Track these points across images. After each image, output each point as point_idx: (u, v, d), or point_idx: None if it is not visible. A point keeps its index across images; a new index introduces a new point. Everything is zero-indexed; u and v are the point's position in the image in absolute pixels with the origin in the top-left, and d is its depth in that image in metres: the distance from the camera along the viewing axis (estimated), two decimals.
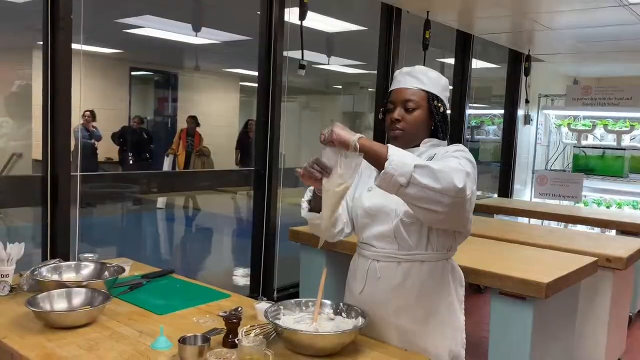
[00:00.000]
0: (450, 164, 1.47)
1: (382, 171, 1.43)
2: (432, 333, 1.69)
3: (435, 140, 1.75)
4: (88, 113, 7.93)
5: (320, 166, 1.52)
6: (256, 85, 3.68)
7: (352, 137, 1.47)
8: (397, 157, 1.43)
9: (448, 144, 1.76)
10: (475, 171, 1.54)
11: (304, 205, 1.74)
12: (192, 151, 8.53)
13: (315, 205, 1.69)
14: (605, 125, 6.38)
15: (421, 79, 1.73)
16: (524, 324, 2.31)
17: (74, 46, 2.61)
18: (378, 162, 1.45)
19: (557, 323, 2.59)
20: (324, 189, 1.55)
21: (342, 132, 1.48)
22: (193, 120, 8.75)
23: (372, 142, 1.49)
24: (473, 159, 1.59)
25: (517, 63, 6.14)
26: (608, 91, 6.22)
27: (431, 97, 1.72)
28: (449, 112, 1.79)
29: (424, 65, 1.90)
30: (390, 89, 1.78)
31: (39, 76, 2.61)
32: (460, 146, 1.66)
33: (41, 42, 2.58)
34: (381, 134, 4.54)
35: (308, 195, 1.74)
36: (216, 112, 10.67)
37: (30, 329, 1.69)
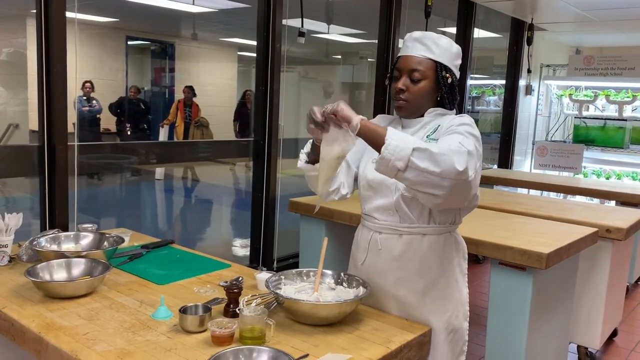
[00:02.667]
0: (452, 144, 1.43)
1: (380, 155, 1.41)
2: (430, 306, 1.69)
3: (440, 110, 1.70)
4: (88, 84, 7.88)
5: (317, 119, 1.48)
6: (254, 55, 3.62)
7: (355, 116, 1.45)
8: (395, 141, 1.40)
9: (456, 113, 1.72)
10: (480, 146, 1.51)
11: (302, 156, 1.72)
12: (191, 122, 8.48)
13: (313, 157, 1.66)
14: (607, 96, 6.33)
15: (430, 47, 1.66)
16: (523, 294, 2.32)
17: (68, 14, 2.56)
18: (376, 145, 1.43)
19: (556, 293, 2.60)
20: (321, 157, 1.53)
21: (347, 109, 1.46)
22: (190, 91, 8.67)
23: (373, 124, 1.46)
24: (478, 134, 1.56)
25: (520, 32, 6.05)
26: (611, 61, 6.15)
27: (439, 67, 1.66)
28: (458, 79, 1.72)
29: None
30: (399, 54, 1.72)
31: (33, 45, 2.56)
32: (466, 118, 1.61)
33: (35, 10, 2.52)
34: (381, 105, 4.51)
35: (307, 147, 1.70)
36: (214, 83, 10.56)
37: (29, 299, 1.69)
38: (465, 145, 1.44)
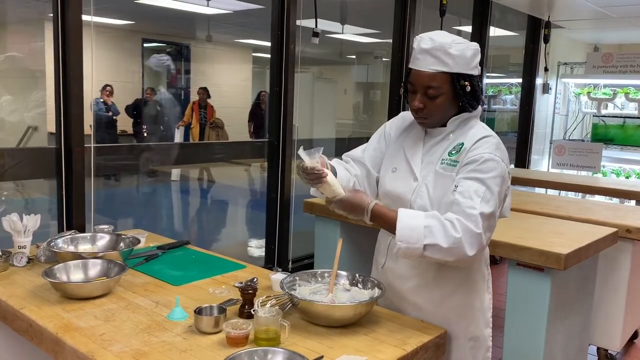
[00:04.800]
0: (467, 220, 1.46)
1: (394, 252, 1.55)
2: (448, 314, 1.66)
3: (465, 115, 1.62)
4: (109, 88, 7.98)
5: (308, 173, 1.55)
6: (269, 56, 3.62)
7: (365, 206, 1.55)
8: (405, 243, 1.48)
9: (483, 106, 1.67)
10: (503, 185, 1.55)
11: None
12: (206, 123, 8.52)
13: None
14: (626, 94, 6.22)
15: (443, 59, 1.53)
16: (541, 295, 2.28)
17: (85, 17, 2.58)
18: (390, 231, 1.55)
19: (575, 295, 2.56)
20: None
21: (352, 211, 1.57)
22: (205, 92, 8.72)
23: (383, 215, 1.54)
24: (502, 168, 1.53)
25: (536, 30, 5.98)
26: (630, 58, 6.05)
27: (456, 78, 1.56)
28: (480, 74, 1.65)
29: None
30: (410, 65, 1.62)
31: (51, 48, 2.59)
32: (491, 144, 1.55)
33: (52, 14, 2.55)
34: (396, 107, 4.49)
35: None
36: (229, 84, 10.60)
37: (47, 300, 1.71)
38: (484, 211, 1.47)
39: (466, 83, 1.57)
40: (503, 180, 1.53)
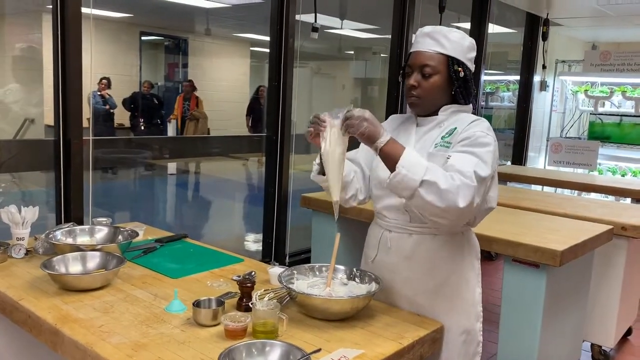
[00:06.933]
0: (464, 172, 1.45)
1: (388, 182, 1.49)
2: (441, 307, 1.67)
3: (455, 106, 1.67)
4: (105, 81, 7.95)
5: (320, 119, 1.55)
6: (267, 50, 3.62)
7: (380, 138, 1.50)
8: (405, 169, 1.45)
9: (474, 107, 1.71)
10: (496, 159, 1.54)
11: (315, 167, 1.72)
12: (187, 115, 8.50)
13: (324, 167, 1.67)
14: (623, 92, 6.24)
15: (441, 41, 1.63)
16: (537, 292, 2.30)
17: (84, 10, 2.58)
18: (390, 167, 1.50)
19: (570, 291, 2.58)
20: (324, 156, 1.57)
21: (373, 128, 1.50)
22: (190, 85, 8.72)
23: (394, 146, 1.51)
24: (494, 143, 1.56)
25: (535, 27, 5.98)
26: (628, 56, 6.07)
27: (451, 61, 1.62)
28: (473, 72, 1.69)
29: None
30: (410, 50, 1.71)
31: (49, 41, 2.59)
32: (484, 125, 1.59)
33: (50, 6, 2.54)
34: (394, 101, 4.49)
35: (319, 158, 1.71)
36: (227, 78, 10.58)
37: (45, 292, 1.71)
38: (479, 172, 1.46)
39: (460, 69, 1.64)
40: (495, 158, 1.55)
